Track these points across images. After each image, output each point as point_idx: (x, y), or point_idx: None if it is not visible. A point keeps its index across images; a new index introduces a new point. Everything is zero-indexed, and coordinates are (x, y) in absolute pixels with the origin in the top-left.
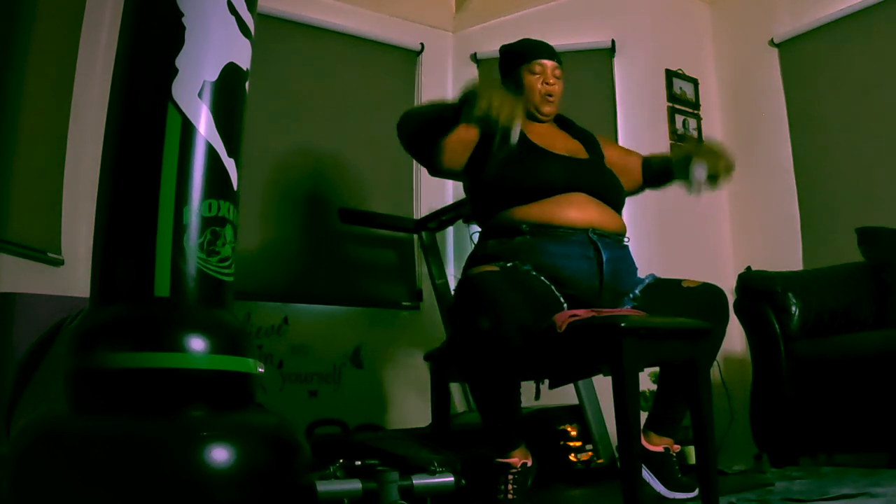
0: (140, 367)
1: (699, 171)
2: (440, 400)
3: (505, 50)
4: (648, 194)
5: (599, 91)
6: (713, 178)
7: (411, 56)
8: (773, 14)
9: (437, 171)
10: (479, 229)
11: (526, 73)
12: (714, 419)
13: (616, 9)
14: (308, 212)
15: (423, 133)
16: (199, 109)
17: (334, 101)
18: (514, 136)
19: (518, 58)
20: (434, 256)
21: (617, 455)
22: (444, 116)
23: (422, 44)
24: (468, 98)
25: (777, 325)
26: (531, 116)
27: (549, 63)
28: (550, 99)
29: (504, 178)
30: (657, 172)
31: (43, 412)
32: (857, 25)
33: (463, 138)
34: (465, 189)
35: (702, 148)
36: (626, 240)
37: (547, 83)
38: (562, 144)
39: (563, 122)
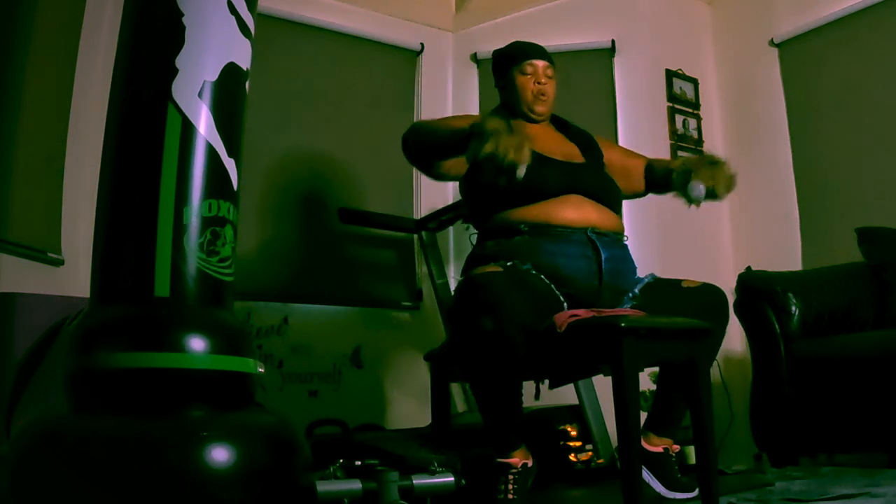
0: (140, 367)
1: (697, 190)
2: (440, 400)
3: (497, 54)
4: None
5: (599, 91)
6: (712, 195)
7: (411, 56)
8: (773, 14)
9: (435, 178)
10: (476, 231)
11: (517, 73)
12: (714, 419)
13: (616, 9)
14: (308, 212)
15: (427, 155)
16: (199, 109)
17: (334, 101)
18: (521, 173)
19: (509, 60)
20: (434, 256)
21: (617, 455)
22: (450, 143)
23: (422, 44)
24: (477, 133)
25: (777, 325)
26: (525, 117)
27: (540, 63)
28: (543, 98)
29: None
30: (659, 180)
31: (43, 412)
32: (858, 25)
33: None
34: (461, 191)
35: (703, 162)
36: (625, 239)
37: (539, 83)
38: (558, 148)
39: (559, 124)
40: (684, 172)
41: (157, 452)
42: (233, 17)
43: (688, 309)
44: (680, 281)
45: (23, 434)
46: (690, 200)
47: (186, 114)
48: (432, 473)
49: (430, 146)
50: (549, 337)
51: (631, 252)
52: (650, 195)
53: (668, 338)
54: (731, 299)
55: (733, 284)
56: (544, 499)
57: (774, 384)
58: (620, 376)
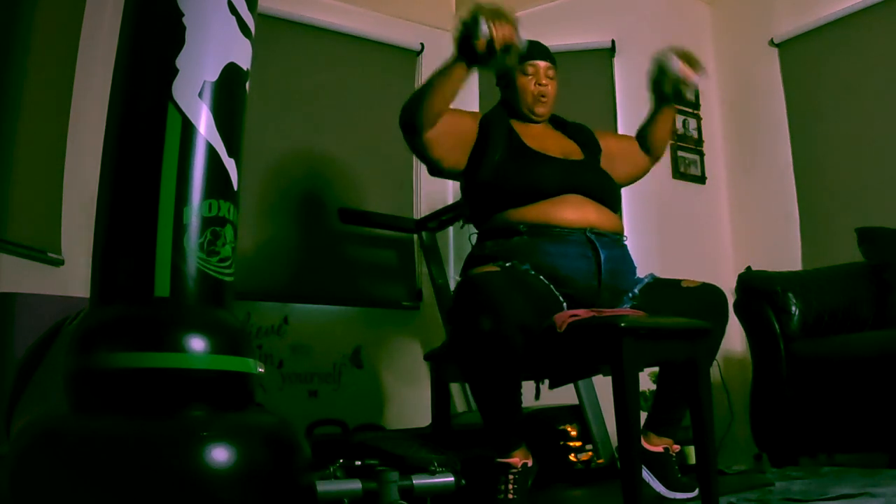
0: (140, 367)
1: (674, 63)
2: (440, 400)
3: None
4: (649, 194)
5: (599, 91)
6: (690, 66)
7: (411, 56)
8: (773, 14)
9: (419, 137)
10: (476, 231)
11: (518, 73)
12: (714, 419)
13: (616, 9)
14: (308, 212)
15: (426, 109)
16: (199, 109)
17: (334, 101)
18: (523, 46)
19: None
20: (434, 256)
21: (617, 455)
22: (445, 74)
23: (422, 44)
24: (467, 28)
25: (777, 325)
26: (525, 118)
27: (542, 64)
28: (543, 100)
29: (499, 181)
30: (649, 124)
31: (43, 412)
32: (858, 25)
33: (446, 95)
34: (462, 191)
35: (669, 52)
36: (624, 239)
37: (540, 84)
38: (556, 146)
39: (557, 122)
40: (658, 70)
41: (157, 452)
42: (233, 17)
43: (687, 309)
44: (679, 281)
45: (23, 434)
46: (672, 81)
47: (186, 114)
48: (432, 473)
49: (428, 97)
50: (548, 337)
51: (631, 252)
52: (647, 193)
53: (668, 338)
54: (731, 299)
55: (733, 284)
56: (544, 499)
57: (774, 384)
58: (620, 376)
